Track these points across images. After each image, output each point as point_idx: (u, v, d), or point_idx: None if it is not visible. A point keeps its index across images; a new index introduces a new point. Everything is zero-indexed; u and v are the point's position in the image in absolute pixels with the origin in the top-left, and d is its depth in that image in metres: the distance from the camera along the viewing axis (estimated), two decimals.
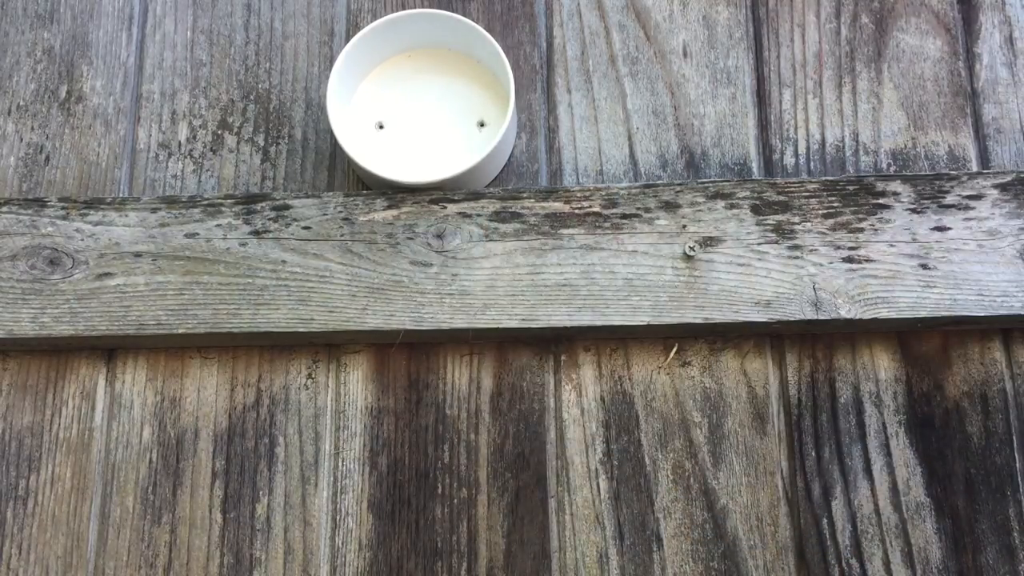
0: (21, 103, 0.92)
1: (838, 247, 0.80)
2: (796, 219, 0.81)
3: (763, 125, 0.90)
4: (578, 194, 0.83)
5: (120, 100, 0.92)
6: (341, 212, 0.82)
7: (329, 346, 0.85)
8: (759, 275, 0.80)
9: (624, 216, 0.82)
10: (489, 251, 0.81)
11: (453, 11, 0.88)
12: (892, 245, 0.80)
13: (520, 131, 0.90)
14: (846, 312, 0.79)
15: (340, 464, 0.82)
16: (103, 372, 0.85)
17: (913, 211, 0.81)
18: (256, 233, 0.82)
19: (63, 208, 0.83)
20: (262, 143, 0.90)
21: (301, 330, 0.80)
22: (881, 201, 0.81)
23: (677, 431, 0.82)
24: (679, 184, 0.83)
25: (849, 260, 0.80)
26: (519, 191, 0.83)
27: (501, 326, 0.80)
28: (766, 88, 0.90)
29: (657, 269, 0.80)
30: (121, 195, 0.89)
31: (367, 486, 0.82)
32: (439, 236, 0.82)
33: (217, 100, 0.92)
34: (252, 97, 0.92)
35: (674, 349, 0.84)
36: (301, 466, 0.82)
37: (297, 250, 0.82)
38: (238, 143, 0.90)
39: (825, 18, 0.92)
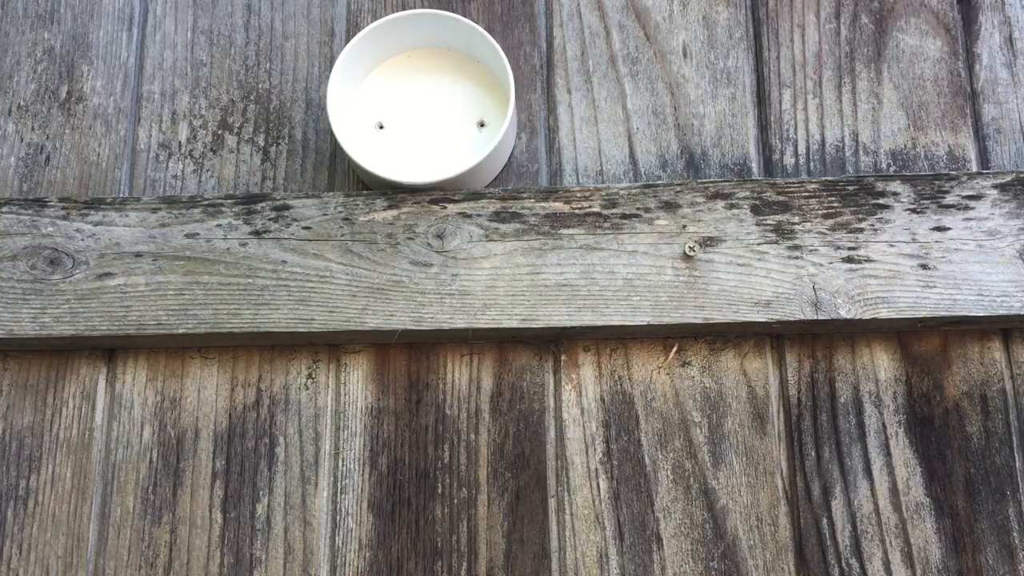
0: (21, 103, 0.92)
1: (838, 247, 0.80)
2: (796, 219, 0.81)
3: (763, 125, 0.90)
4: (578, 194, 0.83)
5: (120, 100, 0.92)
6: (341, 212, 0.82)
7: (329, 346, 0.85)
8: (759, 275, 0.80)
9: (624, 216, 0.82)
10: (489, 251, 0.81)
11: (453, 11, 0.88)
12: (892, 245, 0.80)
13: (520, 131, 0.90)
14: (846, 312, 0.79)
15: (340, 464, 0.82)
16: (103, 372, 0.85)
17: (913, 211, 0.81)
18: (256, 233, 0.82)
19: (63, 208, 0.83)
20: (262, 143, 0.90)
21: (301, 330, 0.80)
22: (881, 201, 0.81)
23: (677, 431, 0.82)
24: (679, 184, 0.83)
25: (849, 260, 0.80)
26: (519, 191, 0.83)
27: (501, 326, 0.80)
28: (766, 88, 0.90)
29: (657, 269, 0.80)
30: (121, 195, 0.89)
31: (367, 486, 0.82)
32: (439, 236, 0.82)
33: (217, 100, 0.92)
34: (252, 97, 0.92)
35: (674, 349, 0.84)
36: (301, 466, 0.82)
37: (297, 250, 0.82)
38: (238, 143, 0.90)
39: (825, 18, 0.92)
